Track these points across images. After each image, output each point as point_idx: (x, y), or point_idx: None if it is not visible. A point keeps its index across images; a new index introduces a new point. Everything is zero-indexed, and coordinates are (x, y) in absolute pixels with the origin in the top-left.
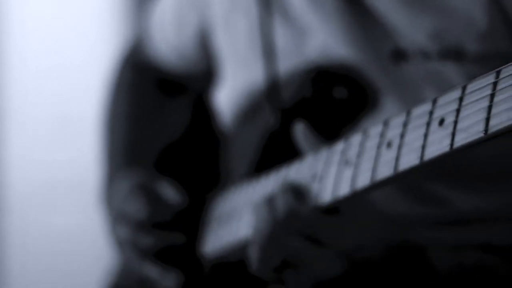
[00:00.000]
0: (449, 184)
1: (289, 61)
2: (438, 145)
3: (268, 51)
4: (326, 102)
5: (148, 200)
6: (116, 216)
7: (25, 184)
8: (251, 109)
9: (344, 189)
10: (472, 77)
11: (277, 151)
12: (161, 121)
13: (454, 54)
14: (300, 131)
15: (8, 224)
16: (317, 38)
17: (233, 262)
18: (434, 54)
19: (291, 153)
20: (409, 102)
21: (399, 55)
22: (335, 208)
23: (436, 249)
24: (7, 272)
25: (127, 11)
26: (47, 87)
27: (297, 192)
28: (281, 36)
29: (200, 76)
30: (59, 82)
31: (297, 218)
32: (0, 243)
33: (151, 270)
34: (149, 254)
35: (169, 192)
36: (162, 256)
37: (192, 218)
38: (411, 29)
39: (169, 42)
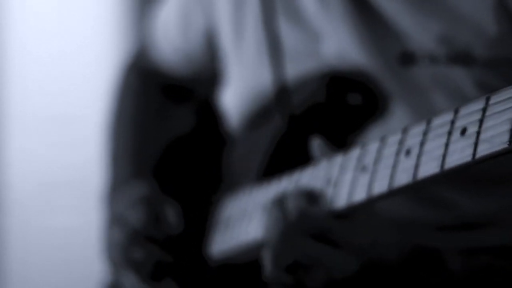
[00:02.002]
0: (455, 187)
1: (302, 64)
2: (460, 155)
3: (275, 54)
4: (337, 107)
5: (149, 213)
6: (115, 218)
7: (25, 184)
8: (260, 112)
9: (359, 195)
10: (480, 82)
11: (286, 156)
12: (165, 127)
13: (462, 58)
14: (317, 145)
15: (8, 224)
16: (332, 41)
17: (239, 263)
18: (442, 58)
19: (300, 158)
20: (418, 106)
21: (407, 58)
22: (346, 213)
23: (451, 252)
24: (7, 272)
25: (130, 13)
26: (48, 88)
27: (310, 195)
28: (293, 39)
29: (207, 78)
30: (60, 83)
31: (308, 220)
32: (0, 243)
33: (127, 280)
34: (135, 265)
35: (170, 214)
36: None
37: (198, 219)
38: (419, 32)
39: (174, 45)
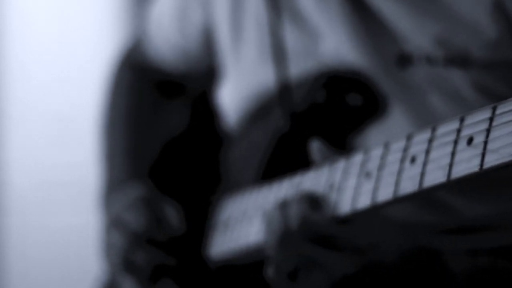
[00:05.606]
0: (454, 191)
1: (301, 63)
2: (467, 165)
3: (279, 53)
4: (337, 108)
5: (149, 215)
6: (113, 221)
7: (25, 184)
8: (260, 111)
9: (364, 202)
10: (478, 84)
11: (286, 155)
12: (159, 123)
13: (459, 60)
14: (316, 148)
15: (8, 224)
16: (329, 42)
17: (239, 265)
18: (440, 60)
19: (300, 157)
20: (415, 108)
21: (404, 60)
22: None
23: (451, 253)
24: (7, 272)
25: (127, 11)
26: (47, 88)
27: (312, 200)
28: (292, 38)
29: (202, 74)
30: (59, 82)
31: (309, 226)
32: (0, 243)
33: (127, 284)
34: (135, 269)
35: (172, 215)
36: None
37: (197, 219)
38: (416, 33)
39: (170, 39)
